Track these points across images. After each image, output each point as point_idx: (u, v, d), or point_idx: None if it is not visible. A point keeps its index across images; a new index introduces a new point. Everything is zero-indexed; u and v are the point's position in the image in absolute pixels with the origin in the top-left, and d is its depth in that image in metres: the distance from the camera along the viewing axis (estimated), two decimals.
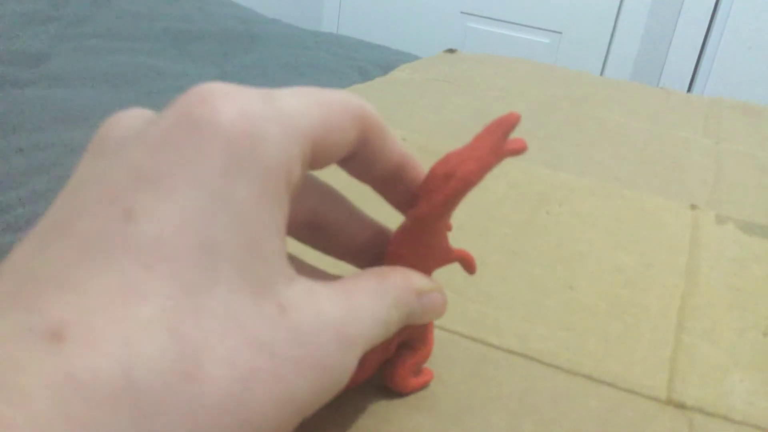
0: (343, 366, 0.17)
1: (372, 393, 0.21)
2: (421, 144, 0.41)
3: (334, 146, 0.18)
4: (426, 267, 0.21)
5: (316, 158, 0.18)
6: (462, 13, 1.88)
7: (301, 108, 0.17)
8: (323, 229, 0.22)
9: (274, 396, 0.15)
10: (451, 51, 0.64)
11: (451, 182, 0.19)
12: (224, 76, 0.59)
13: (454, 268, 0.22)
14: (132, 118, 0.17)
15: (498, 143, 0.19)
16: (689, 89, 1.72)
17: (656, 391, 0.23)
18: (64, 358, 0.12)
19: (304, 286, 0.17)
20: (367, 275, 0.19)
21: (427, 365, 0.22)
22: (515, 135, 0.19)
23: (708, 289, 0.29)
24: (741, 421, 0.22)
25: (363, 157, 0.19)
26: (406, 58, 0.69)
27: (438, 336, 0.24)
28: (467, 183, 0.19)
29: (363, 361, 0.20)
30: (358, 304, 0.17)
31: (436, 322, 0.24)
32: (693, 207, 0.36)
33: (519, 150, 0.19)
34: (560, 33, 1.81)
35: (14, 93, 0.48)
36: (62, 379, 0.12)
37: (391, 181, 0.20)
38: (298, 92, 0.17)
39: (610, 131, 0.48)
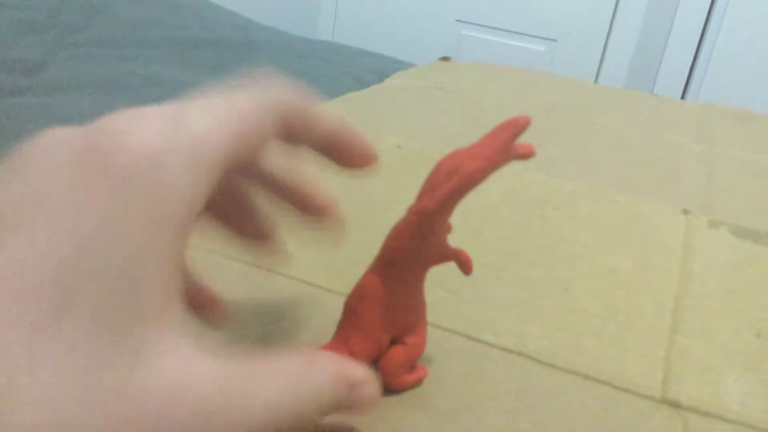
0: None
1: None
2: (416, 150, 0.42)
3: (252, 150, 0.18)
4: (423, 263, 0.21)
5: (234, 165, 0.17)
6: (457, 21, 1.89)
7: (210, 127, 0.16)
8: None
9: None
10: (445, 59, 0.65)
11: (455, 178, 0.19)
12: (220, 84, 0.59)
13: (451, 269, 0.22)
14: (49, 139, 0.16)
15: (506, 144, 0.19)
16: (683, 96, 1.73)
17: (651, 390, 0.23)
18: None
19: (179, 344, 0.15)
20: (293, 356, 0.17)
21: (421, 363, 0.22)
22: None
23: (701, 291, 0.30)
24: (735, 421, 0.22)
25: (292, 137, 0.20)
26: (401, 65, 0.69)
27: (433, 334, 0.25)
28: (471, 180, 0.19)
29: (355, 356, 0.20)
30: (247, 387, 0.15)
31: (431, 320, 0.25)
32: (686, 212, 0.37)
33: (526, 154, 0.19)
34: (555, 41, 1.82)
35: (11, 101, 0.48)
36: None
37: (333, 149, 0.21)
38: (211, 108, 0.17)
39: (604, 137, 0.48)
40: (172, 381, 0.14)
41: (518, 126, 0.19)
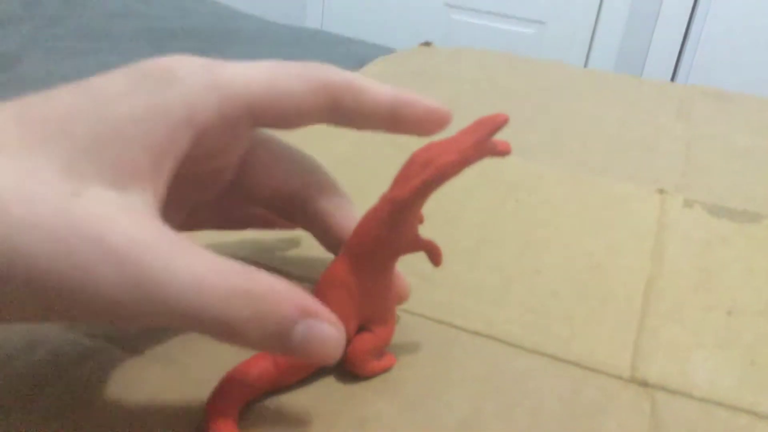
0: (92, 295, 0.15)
1: (333, 377, 0.22)
2: (391, 137, 0.41)
3: (283, 108, 0.20)
4: (393, 251, 0.21)
5: (262, 117, 0.20)
6: (446, 5, 1.88)
7: (241, 72, 0.19)
8: (296, 205, 0.23)
9: None
10: (426, 44, 0.64)
11: (429, 170, 0.19)
12: None
13: (423, 254, 0.22)
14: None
15: (482, 140, 0.19)
16: (673, 78, 1.73)
17: (619, 369, 0.24)
18: None
19: (133, 201, 0.17)
20: (246, 267, 0.17)
21: (390, 349, 0.22)
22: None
23: (674, 271, 0.30)
24: (703, 398, 0.23)
25: (345, 115, 0.21)
26: (383, 51, 0.69)
27: (403, 319, 0.25)
28: (444, 173, 0.19)
29: None
30: (186, 267, 0.16)
31: (401, 305, 0.25)
32: (661, 191, 0.37)
33: (501, 151, 0.20)
34: (544, 23, 1.81)
35: None
36: None
37: (391, 124, 0.22)
38: (252, 63, 0.20)
39: (582, 120, 0.48)
40: (101, 222, 0.15)
41: (496, 123, 0.19)
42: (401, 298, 0.24)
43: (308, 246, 0.29)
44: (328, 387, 0.21)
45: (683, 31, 1.69)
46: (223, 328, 0.16)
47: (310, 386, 0.21)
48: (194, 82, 0.18)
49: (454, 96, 0.50)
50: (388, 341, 0.22)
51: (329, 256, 0.23)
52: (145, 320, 0.16)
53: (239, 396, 0.19)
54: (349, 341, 0.21)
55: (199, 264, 0.16)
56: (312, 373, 0.21)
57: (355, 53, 0.67)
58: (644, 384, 0.23)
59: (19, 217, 0.15)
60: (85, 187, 0.16)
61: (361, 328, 0.22)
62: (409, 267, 0.27)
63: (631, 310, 0.27)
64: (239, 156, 0.22)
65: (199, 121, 0.18)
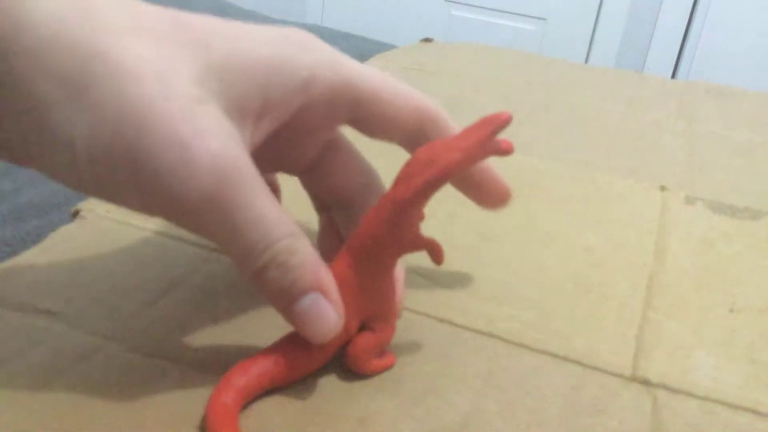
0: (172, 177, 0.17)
1: (334, 375, 0.21)
2: None
3: (381, 116, 0.21)
4: (394, 250, 0.21)
5: (360, 115, 0.21)
6: (446, 1, 1.87)
7: (359, 67, 0.21)
8: (354, 208, 0.24)
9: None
10: (427, 40, 0.64)
11: (432, 169, 0.19)
12: None
13: (424, 253, 0.22)
14: None
15: (486, 139, 0.19)
16: (674, 74, 1.73)
17: (621, 368, 0.23)
18: None
19: (238, 135, 0.18)
20: (296, 226, 0.19)
21: (392, 346, 0.22)
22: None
23: (675, 267, 0.30)
24: (704, 397, 0.23)
25: (365, 124, 0.22)
26: (383, 47, 0.69)
27: (404, 317, 0.24)
28: (447, 172, 0.19)
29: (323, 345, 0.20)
30: (261, 207, 0.18)
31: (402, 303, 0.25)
32: (663, 188, 0.37)
33: (505, 150, 0.20)
34: (545, 20, 1.81)
35: None
36: None
37: (417, 140, 0.22)
38: (367, 66, 0.22)
39: (583, 115, 0.48)
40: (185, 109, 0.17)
41: (500, 121, 0.19)
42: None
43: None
44: (329, 385, 0.21)
45: (684, 26, 1.69)
46: (257, 264, 0.18)
47: (311, 384, 0.21)
48: (324, 57, 0.20)
49: (455, 92, 0.50)
50: (390, 339, 0.22)
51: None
52: (202, 229, 0.18)
53: (241, 394, 0.19)
54: (350, 340, 0.21)
55: (273, 207, 0.18)
56: (313, 371, 0.21)
57: (355, 49, 0.67)
58: (645, 382, 0.23)
59: (150, 93, 0.16)
60: (207, 101, 0.17)
61: (363, 327, 0.22)
62: (410, 265, 0.27)
63: (632, 308, 0.27)
64: (321, 144, 0.23)
65: (315, 92, 0.20)
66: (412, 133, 0.22)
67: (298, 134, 0.22)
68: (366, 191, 0.24)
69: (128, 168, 0.17)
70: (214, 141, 0.17)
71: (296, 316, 0.19)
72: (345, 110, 0.21)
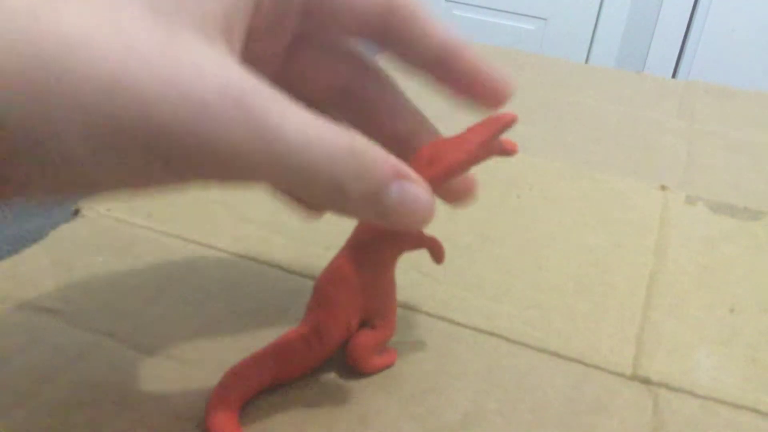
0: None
1: (334, 373, 0.21)
2: None
3: (337, 2, 0.18)
4: (395, 248, 0.21)
5: (315, 7, 0.18)
6: (447, 1, 1.87)
7: None
8: (357, 103, 0.21)
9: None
10: None
11: (434, 168, 0.19)
12: None
13: (423, 251, 0.22)
14: None
15: (489, 139, 0.19)
16: (674, 74, 1.73)
17: (622, 367, 0.23)
18: None
19: (226, 53, 0.15)
20: (341, 125, 0.16)
21: (392, 345, 0.22)
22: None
23: (676, 267, 0.30)
24: (705, 396, 0.23)
25: (394, 35, 0.19)
26: None
27: (405, 315, 0.25)
28: (450, 171, 0.19)
29: (324, 339, 0.20)
30: (297, 122, 0.15)
31: (404, 301, 0.25)
32: (663, 188, 0.37)
33: (508, 151, 0.20)
34: (545, 19, 1.81)
35: None
36: None
37: (439, 70, 0.20)
38: None
39: (583, 115, 0.48)
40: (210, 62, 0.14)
41: (504, 122, 0.19)
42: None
43: (310, 241, 0.28)
44: (329, 383, 0.21)
45: (685, 26, 1.68)
46: (330, 185, 0.15)
47: (311, 382, 0.21)
48: None
49: None
50: (390, 336, 0.22)
51: (331, 252, 0.23)
52: (248, 176, 0.15)
53: (241, 392, 0.19)
54: (350, 337, 0.21)
55: (307, 118, 0.15)
56: (313, 369, 0.21)
57: None
58: (646, 381, 0.23)
59: (114, 60, 0.13)
60: (176, 33, 0.14)
61: (363, 325, 0.22)
62: (411, 263, 0.27)
63: (633, 307, 0.27)
64: (284, 46, 0.20)
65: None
66: (379, 22, 0.19)
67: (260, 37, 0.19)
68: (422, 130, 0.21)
69: (147, 156, 0.14)
70: (224, 77, 0.14)
71: (391, 211, 0.17)
72: (296, 5, 0.19)
